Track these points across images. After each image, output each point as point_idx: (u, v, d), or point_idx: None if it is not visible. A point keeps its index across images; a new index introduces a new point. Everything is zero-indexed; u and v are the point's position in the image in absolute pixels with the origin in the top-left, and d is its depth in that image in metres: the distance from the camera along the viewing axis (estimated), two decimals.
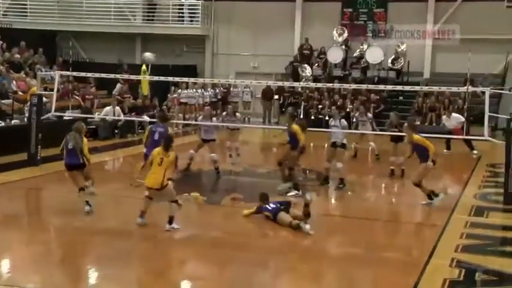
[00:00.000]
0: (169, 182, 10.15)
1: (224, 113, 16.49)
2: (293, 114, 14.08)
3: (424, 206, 12.13)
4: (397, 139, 15.13)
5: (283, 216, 10.42)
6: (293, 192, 12.63)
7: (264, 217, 10.73)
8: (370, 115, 18.34)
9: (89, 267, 8.67)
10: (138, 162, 14.83)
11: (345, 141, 13.98)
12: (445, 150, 19.20)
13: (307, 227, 10.05)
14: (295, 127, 12.96)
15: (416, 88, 20.40)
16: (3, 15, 28.56)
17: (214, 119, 15.57)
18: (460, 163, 18.41)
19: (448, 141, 19.26)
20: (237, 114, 17.00)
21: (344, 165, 13.92)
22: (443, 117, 19.90)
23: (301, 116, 24.36)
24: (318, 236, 10.06)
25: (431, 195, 12.15)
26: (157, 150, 10.11)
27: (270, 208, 10.67)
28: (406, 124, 13.11)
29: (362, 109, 18.48)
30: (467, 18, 25.28)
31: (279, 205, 10.70)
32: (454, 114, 19.40)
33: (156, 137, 11.88)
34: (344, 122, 14.19)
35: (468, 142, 18.69)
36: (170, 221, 9.84)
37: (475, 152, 18.64)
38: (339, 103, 24.06)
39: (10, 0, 29.13)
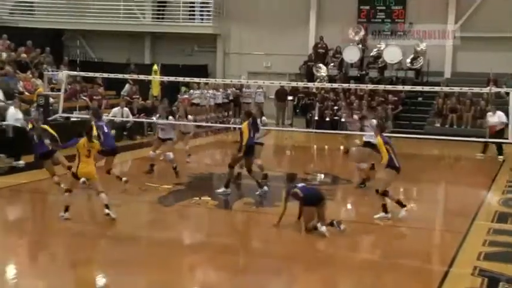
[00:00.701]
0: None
1: (177, 116, 16.06)
2: (249, 111, 13.81)
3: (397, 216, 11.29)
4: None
5: (309, 210, 9.93)
6: (221, 189, 12.60)
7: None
8: (356, 117, 18.38)
9: (97, 273, 8.46)
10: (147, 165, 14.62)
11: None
12: (479, 154, 18.53)
13: (324, 228, 9.82)
14: (244, 124, 12.71)
15: (437, 88, 19.89)
16: (9, 13, 28.21)
17: (171, 117, 15.16)
18: (482, 167, 18.25)
19: (486, 145, 18.49)
20: (189, 116, 16.79)
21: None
22: (489, 113, 19.00)
23: (316, 118, 23.80)
24: (334, 242, 9.85)
25: (386, 208, 11.09)
26: (82, 141, 10.29)
27: (299, 186, 10.21)
28: (376, 123, 12.70)
29: (348, 113, 19.01)
30: (490, 15, 24.73)
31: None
32: (499, 112, 18.47)
33: (106, 129, 12.75)
34: (374, 122, 13.79)
35: (499, 145, 17.92)
36: (107, 207, 10.25)
37: (500, 157, 17.98)
38: (355, 104, 23.45)
39: None
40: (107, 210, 10.18)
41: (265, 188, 12.70)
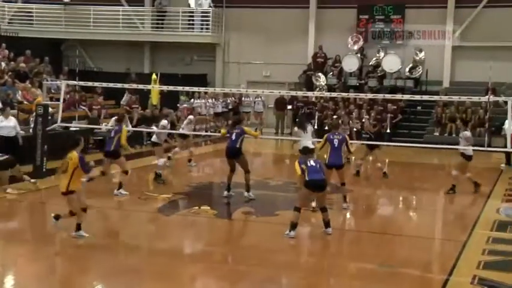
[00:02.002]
0: (77, 191, 9.80)
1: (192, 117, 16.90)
2: (235, 120, 14.37)
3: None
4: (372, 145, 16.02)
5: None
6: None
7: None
8: (351, 123, 18.98)
9: (95, 284, 8.39)
10: (148, 174, 14.61)
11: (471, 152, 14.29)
12: (502, 165, 18.27)
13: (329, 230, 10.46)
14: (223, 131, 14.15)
15: (435, 98, 19.83)
16: (8, 23, 28.20)
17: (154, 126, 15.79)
18: (481, 176, 17.85)
19: (508, 155, 18.12)
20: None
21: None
22: (507, 120, 18.49)
23: (316, 127, 23.75)
24: (334, 251, 10.11)
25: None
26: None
27: (311, 164, 10.32)
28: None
29: (346, 119, 19.14)
30: (488, 24, 24.72)
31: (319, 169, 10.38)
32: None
33: (112, 134, 13.48)
34: (466, 133, 14.37)
35: (508, 155, 17.61)
36: (78, 227, 9.76)
37: (503, 166, 17.70)
38: (354, 113, 23.41)
39: (16, 8, 28.83)
40: (73, 233, 9.80)
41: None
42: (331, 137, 12.44)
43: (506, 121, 18.11)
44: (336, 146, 12.29)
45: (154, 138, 15.37)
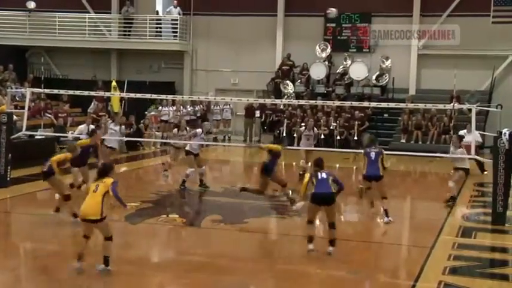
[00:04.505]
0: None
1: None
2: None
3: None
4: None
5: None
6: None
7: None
8: (316, 130, 18.59)
9: None
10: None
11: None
12: (486, 172, 18.01)
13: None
14: None
15: (402, 105, 19.91)
16: None
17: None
18: (446, 182, 18.02)
19: (480, 164, 17.88)
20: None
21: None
22: (463, 131, 18.37)
23: (284, 134, 23.83)
24: (302, 259, 9.93)
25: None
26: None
27: (321, 177, 9.96)
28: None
29: (311, 124, 18.29)
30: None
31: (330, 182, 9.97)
32: (474, 130, 16.92)
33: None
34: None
35: (480, 163, 17.52)
36: (106, 262, 8.55)
37: (485, 172, 17.65)
38: (322, 120, 23.56)
39: None
40: (101, 266, 8.54)
41: None
42: (368, 150, 12.84)
43: (463, 131, 18.37)
44: (372, 159, 12.70)
45: (188, 147, 15.06)
